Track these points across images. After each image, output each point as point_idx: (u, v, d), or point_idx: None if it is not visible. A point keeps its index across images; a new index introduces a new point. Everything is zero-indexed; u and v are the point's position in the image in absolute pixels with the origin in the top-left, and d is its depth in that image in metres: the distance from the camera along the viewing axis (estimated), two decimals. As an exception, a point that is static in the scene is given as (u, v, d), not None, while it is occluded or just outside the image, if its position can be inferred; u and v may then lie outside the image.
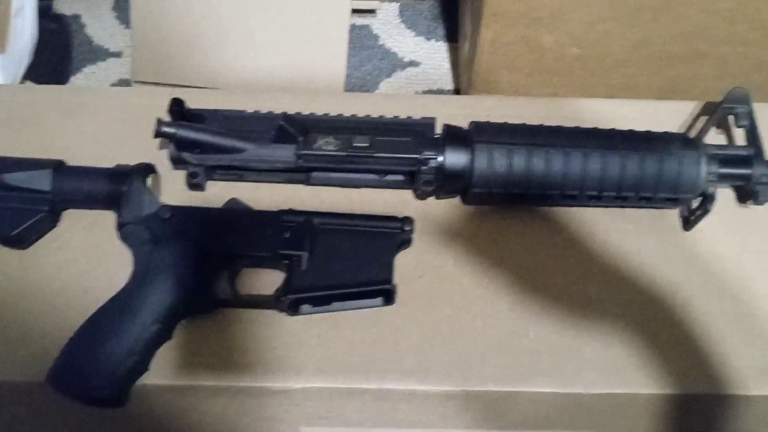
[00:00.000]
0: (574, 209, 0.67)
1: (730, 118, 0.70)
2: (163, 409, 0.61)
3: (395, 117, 0.67)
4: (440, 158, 0.64)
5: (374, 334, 0.61)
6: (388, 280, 0.61)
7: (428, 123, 0.67)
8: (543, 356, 0.60)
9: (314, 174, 0.66)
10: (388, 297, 0.61)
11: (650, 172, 0.63)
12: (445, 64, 1.27)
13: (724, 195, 0.69)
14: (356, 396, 0.60)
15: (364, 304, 0.62)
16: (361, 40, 1.30)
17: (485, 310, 0.62)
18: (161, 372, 0.59)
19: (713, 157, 0.65)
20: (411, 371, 0.60)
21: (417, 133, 0.66)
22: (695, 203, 0.65)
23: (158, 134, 0.63)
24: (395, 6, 1.35)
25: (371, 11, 1.32)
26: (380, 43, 1.30)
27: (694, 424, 0.63)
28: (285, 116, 0.65)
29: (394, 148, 0.64)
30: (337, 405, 0.61)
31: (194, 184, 0.66)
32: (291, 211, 0.63)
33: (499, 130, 0.65)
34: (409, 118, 0.67)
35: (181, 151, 0.65)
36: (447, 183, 0.65)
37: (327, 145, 0.64)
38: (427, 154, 0.64)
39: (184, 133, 0.63)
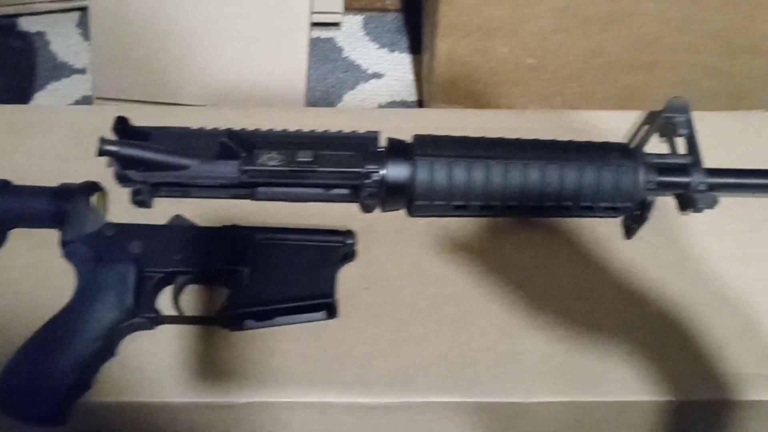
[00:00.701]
0: (515, 220, 0.68)
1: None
2: (105, 427, 0.61)
3: (339, 131, 0.68)
4: (382, 172, 0.64)
5: (317, 347, 0.62)
6: (330, 293, 0.61)
7: (372, 137, 0.67)
8: (484, 366, 0.61)
9: (259, 189, 0.67)
10: (331, 310, 0.62)
11: (589, 182, 0.64)
12: (409, 76, 1.28)
13: (666, 203, 0.70)
14: (299, 409, 0.60)
15: (307, 318, 0.62)
16: (325, 53, 1.31)
17: (428, 321, 0.63)
18: (104, 389, 0.59)
19: (652, 166, 0.66)
20: (353, 383, 0.60)
21: (361, 147, 0.66)
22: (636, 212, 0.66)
23: (101, 153, 0.63)
24: (359, 18, 1.36)
25: (335, 24, 1.33)
26: (344, 55, 1.30)
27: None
28: (228, 132, 0.65)
29: (338, 162, 0.65)
30: (281, 418, 0.61)
31: (139, 201, 0.66)
32: (233, 227, 0.63)
33: (441, 143, 0.65)
34: (354, 132, 0.68)
35: (125, 168, 0.65)
36: (390, 196, 0.65)
37: (270, 161, 0.65)
38: (370, 167, 0.65)
39: (126, 151, 0.64)
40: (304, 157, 0.65)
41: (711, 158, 0.71)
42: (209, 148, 0.66)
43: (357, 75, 1.28)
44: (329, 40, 1.33)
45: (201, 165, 0.65)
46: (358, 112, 0.76)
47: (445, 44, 1.00)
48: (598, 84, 1.04)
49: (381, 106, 1.23)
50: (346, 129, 0.68)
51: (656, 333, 0.63)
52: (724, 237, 0.68)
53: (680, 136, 0.69)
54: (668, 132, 0.72)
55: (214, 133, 0.66)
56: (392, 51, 1.32)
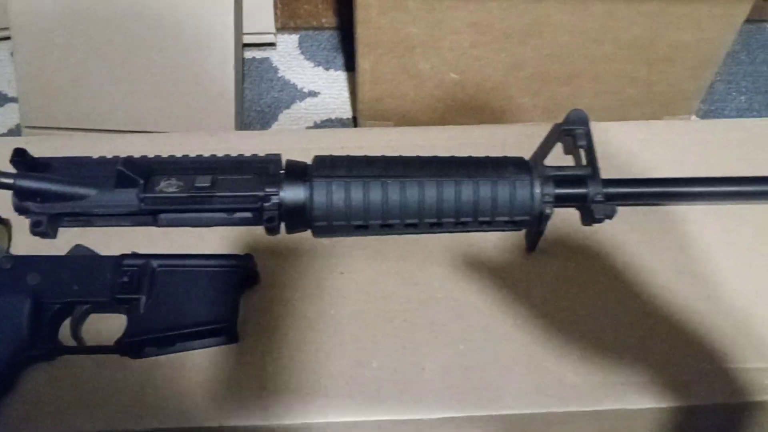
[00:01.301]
0: (418, 237, 0.68)
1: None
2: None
3: (241, 155, 0.68)
4: (281, 194, 0.65)
5: (219, 372, 0.62)
6: (229, 318, 0.62)
7: (273, 159, 0.68)
8: (386, 383, 0.61)
9: (161, 216, 0.67)
10: (231, 335, 0.62)
11: (485, 197, 0.65)
12: (344, 93, 1.29)
13: (573, 216, 0.71)
14: (201, 436, 0.60)
15: (208, 343, 0.62)
16: (261, 73, 1.31)
17: (329, 342, 0.63)
18: (4, 423, 0.59)
19: (549, 179, 0.67)
20: (254, 408, 0.60)
21: (262, 170, 0.67)
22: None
23: (-4, 185, 0.63)
24: (295, 38, 1.37)
25: (271, 44, 1.33)
26: (279, 75, 1.31)
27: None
28: (124, 160, 0.65)
29: (236, 186, 0.65)
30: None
31: (40, 233, 0.66)
32: (131, 255, 0.63)
33: (338, 163, 0.66)
34: (255, 155, 0.68)
35: (23, 200, 0.65)
36: (290, 218, 0.66)
37: (169, 187, 0.65)
38: (269, 190, 0.65)
39: (22, 183, 0.64)
40: (203, 182, 0.65)
41: (615, 169, 0.72)
42: (109, 176, 0.66)
43: (293, 94, 1.29)
44: (265, 60, 1.33)
45: (100, 194, 0.65)
46: (285, 133, 0.76)
47: (366, 63, 1.00)
48: (521, 96, 1.06)
49: (317, 124, 1.24)
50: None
51: (557, 345, 0.63)
52: (627, 248, 0.69)
53: (579, 147, 0.70)
54: (570, 144, 0.73)
55: (114, 162, 0.66)
56: (327, 69, 1.32)
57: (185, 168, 0.66)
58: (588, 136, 0.70)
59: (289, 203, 0.65)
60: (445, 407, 0.60)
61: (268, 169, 0.67)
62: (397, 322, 0.64)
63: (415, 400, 0.61)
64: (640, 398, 0.61)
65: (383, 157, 0.67)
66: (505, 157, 0.68)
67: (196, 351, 0.63)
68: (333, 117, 1.26)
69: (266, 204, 0.65)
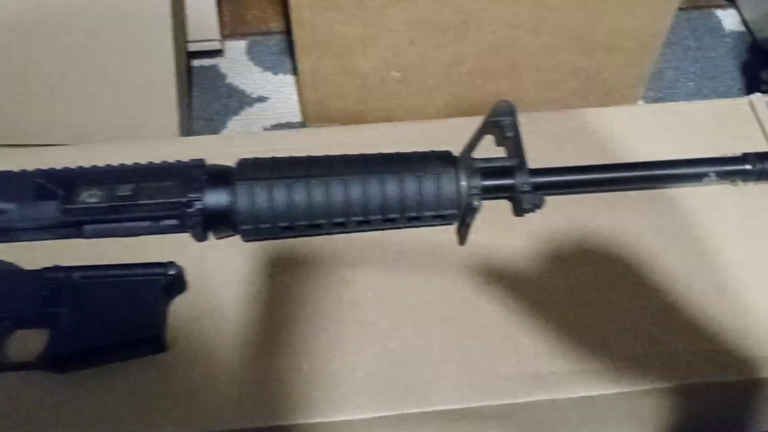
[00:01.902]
0: (348, 235, 0.68)
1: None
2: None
3: (164, 162, 0.67)
4: (204, 199, 0.64)
5: (147, 383, 0.61)
6: (155, 327, 0.61)
7: (197, 164, 0.67)
8: (317, 385, 0.61)
9: (85, 227, 0.66)
10: (158, 344, 0.61)
11: (410, 193, 0.64)
12: (293, 97, 1.28)
13: (504, 207, 0.71)
14: (131, 447, 0.59)
15: (135, 354, 0.61)
16: (208, 81, 1.30)
17: (258, 347, 0.62)
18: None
19: (476, 171, 0.66)
20: (184, 417, 0.59)
21: (185, 175, 0.66)
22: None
23: None
24: (243, 44, 1.36)
25: (218, 51, 1.32)
26: (227, 81, 1.30)
27: None
28: (43, 172, 0.64)
29: (158, 193, 0.65)
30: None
31: (-41, 251, 0.65)
32: (51, 268, 0.62)
33: (262, 166, 0.65)
34: (178, 161, 0.67)
35: (-60, 218, 0.64)
36: (215, 223, 0.65)
37: (91, 198, 0.64)
38: (191, 196, 0.64)
39: (-63, 201, 0.63)
40: (124, 191, 0.64)
41: (546, 158, 0.72)
42: (29, 189, 0.65)
43: (241, 100, 1.28)
44: (212, 67, 1.32)
45: (19, 208, 0.64)
46: (212, 138, 0.76)
47: (306, 65, 1.00)
48: (464, 91, 1.05)
49: (266, 130, 1.23)
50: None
51: (488, 338, 0.63)
52: (557, 235, 0.69)
53: (507, 138, 0.70)
54: (500, 136, 0.73)
55: (34, 174, 0.65)
56: (276, 73, 1.31)
57: (107, 177, 0.66)
58: (515, 126, 0.70)
59: (213, 208, 0.64)
60: (376, 406, 0.60)
61: (191, 175, 0.66)
62: (328, 323, 0.64)
63: (345, 401, 0.60)
64: (572, 387, 0.60)
65: (307, 157, 0.66)
66: (431, 152, 0.67)
67: (124, 362, 0.61)
68: (283, 121, 1.25)
69: (189, 210, 0.64)
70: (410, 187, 0.64)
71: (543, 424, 0.63)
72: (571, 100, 1.09)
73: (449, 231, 0.69)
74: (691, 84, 1.30)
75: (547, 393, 0.60)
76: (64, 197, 0.64)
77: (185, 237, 0.68)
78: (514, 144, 0.69)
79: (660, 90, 1.29)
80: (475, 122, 0.73)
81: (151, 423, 0.59)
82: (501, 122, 0.70)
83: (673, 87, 1.30)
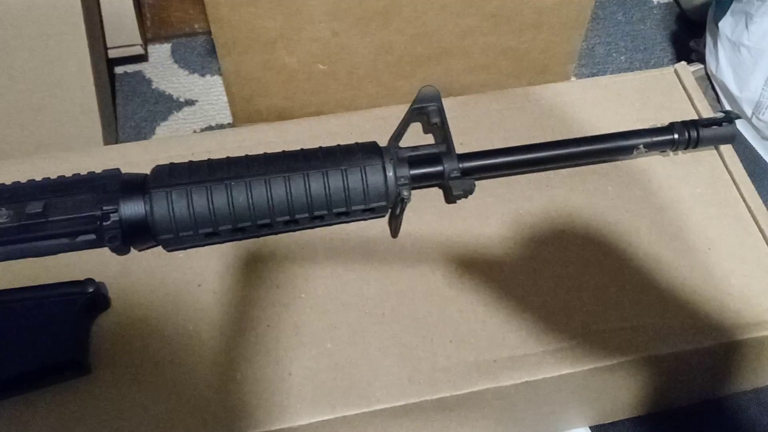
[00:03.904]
0: (277, 237, 0.65)
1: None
2: None
3: (76, 174, 0.64)
4: (120, 211, 0.61)
5: (73, 407, 0.58)
6: (75, 349, 0.58)
7: (112, 175, 0.64)
8: (249, 396, 0.58)
9: (-5, 250, 0.62)
10: (80, 366, 0.58)
11: (336, 187, 0.62)
12: (222, 98, 1.25)
13: (435, 196, 0.69)
14: (58, 479, 0.56)
15: (56, 379, 0.58)
16: (133, 87, 1.26)
17: (188, 360, 0.60)
18: None
19: (403, 160, 0.64)
20: (112, 440, 0.56)
21: (100, 187, 0.63)
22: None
23: None
24: (167, 47, 1.32)
25: (141, 56, 1.28)
26: (153, 86, 1.26)
27: None
28: (-56, 195, 0.60)
29: (72, 208, 0.61)
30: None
31: None
32: (-42, 296, 0.58)
33: (177, 171, 0.62)
34: (92, 172, 0.64)
35: None
36: (134, 234, 0.62)
37: (-2, 218, 0.61)
38: (106, 208, 0.61)
39: None
40: (34, 208, 0.61)
41: (476, 143, 0.71)
42: (-70, 214, 0.61)
43: (169, 105, 1.24)
44: (137, 73, 1.28)
45: None
46: (131, 146, 0.72)
47: (228, 64, 0.97)
48: (395, 81, 1.03)
49: (197, 133, 1.19)
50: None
51: (427, 330, 0.61)
52: (491, 219, 0.67)
53: (432, 124, 0.68)
54: (426, 123, 0.71)
55: (-68, 197, 0.61)
56: (204, 75, 1.28)
57: (15, 195, 0.62)
58: (440, 112, 0.68)
59: (130, 219, 0.61)
60: (315, 411, 0.58)
61: (105, 186, 0.63)
62: (260, 329, 0.61)
63: (282, 408, 0.58)
64: (513, 373, 0.59)
65: (227, 158, 0.64)
66: (356, 144, 0.65)
67: (45, 389, 0.58)
68: (213, 123, 1.22)
69: (106, 223, 0.61)
70: (335, 182, 0.62)
71: (482, 415, 0.62)
72: (504, 82, 1.08)
73: (381, 224, 0.67)
74: (622, 58, 1.31)
75: (490, 381, 0.58)
76: (-31, 219, 0.60)
77: (106, 252, 0.65)
78: (440, 130, 0.67)
79: (593, 66, 1.29)
80: (402, 110, 0.72)
81: (78, 450, 0.56)
82: (426, 108, 0.68)
83: (606, 62, 1.30)
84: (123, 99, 1.24)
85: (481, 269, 0.64)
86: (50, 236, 0.62)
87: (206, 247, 0.65)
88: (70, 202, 0.62)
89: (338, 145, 0.65)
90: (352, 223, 0.67)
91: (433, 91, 0.69)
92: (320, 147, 0.65)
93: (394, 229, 0.65)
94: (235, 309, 0.62)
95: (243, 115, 1.06)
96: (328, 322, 0.62)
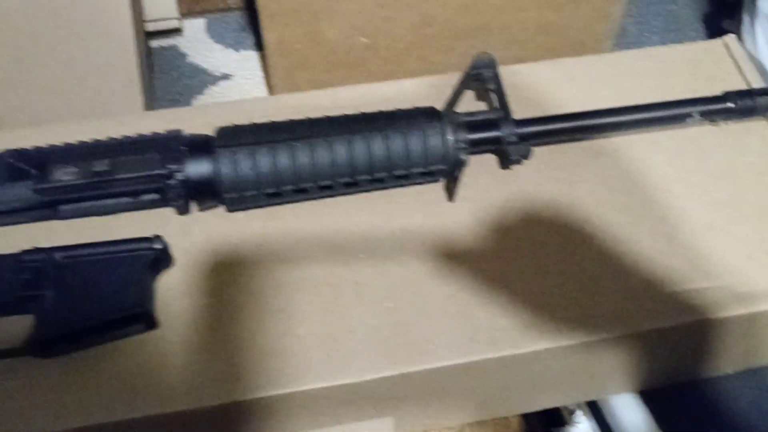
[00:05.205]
0: (335, 200, 0.66)
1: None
2: None
3: (141, 135, 0.65)
4: (185, 170, 0.62)
5: (140, 361, 0.59)
6: (145, 303, 0.59)
7: (174, 136, 0.65)
8: (314, 351, 0.59)
9: (61, 207, 0.63)
10: (148, 321, 0.59)
11: (397, 150, 0.63)
12: (258, 73, 1.26)
13: (489, 161, 0.70)
14: (128, 428, 0.57)
15: (125, 333, 0.59)
16: (168, 61, 1.27)
17: (252, 316, 0.61)
18: None
19: (461, 125, 0.65)
20: (181, 393, 0.57)
21: (163, 147, 0.64)
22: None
23: None
24: (201, 22, 1.33)
25: (176, 30, 1.29)
26: (188, 61, 1.27)
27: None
28: (13, 152, 0.62)
29: (137, 166, 0.62)
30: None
31: (-69, 239, 0.62)
32: (31, 251, 0.60)
33: (243, 132, 0.63)
34: (156, 133, 0.65)
35: None
36: (198, 194, 0.63)
37: (66, 175, 0.62)
38: (171, 167, 0.62)
39: None
40: (101, 166, 0.62)
41: (528, 111, 0.71)
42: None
43: (204, 79, 1.25)
44: (172, 47, 1.29)
45: (-10, 191, 0.61)
46: (188, 110, 0.73)
47: (272, 35, 0.98)
48: (434, 54, 1.04)
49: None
50: (133, 134, 0.65)
51: (485, 291, 0.62)
52: (546, 185, 0.68)
53: (489, 91, 0.69)
54: (481, 89, 0.72)
55: (3, 155, 0.62)
56: (238, 50, 1.29)
57: (82, 154, 0.63)
58: (497, 78, 0.69)
59: (195, 178, 0.62)
60: (379, 367, 0.59)
61: (169, 146, 0.64)
62: (321, 287, 0.62)
63: (346, 363, 0.59)
64: (572, 334, 0.60)
65: (290, 120, 0.65)
66: (415, 108, 0.66)
67: (113, 342, 0.59)
68: (249, 98, 1.23)
69: (170, 182, 0.62)
70: (397, 144, 0.63)
71: (540, 375, 0.63)
72: (540, 58, 1.08)
73: (437, 188, 0.68)
74: (655, 38, 1.31)
75: (550, 341, 0.59)
76: (38, 177, 0.61)
77: (166, 212, 0.66)
78: (497, 96, 0.68)
79: (625, 46, 1.30)
80: (453, 79, 0.73)
81: (147, 402, 0.57)
82: (482, 75, 0.69)
83: (638, 42, 1.31)
84: (159, 72, 1.25)
85: (536, 232, 0.65)
86: (115, 194, 0.63)
87: (266, 209, 0.66)
88: (136, 161, 0.63)
89: (397, 109, 0.65)
90: (409, 187, 0.67)
91: (488, 57, 0.69)
92: (379, 111, 0.65)
93: (451, 192, 0.66)
94: (296, 268, 0.63)
95: (281, 88, 1.07)
96: (387, 282, 0.62)
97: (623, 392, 0.72)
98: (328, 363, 0.59)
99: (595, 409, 0.75)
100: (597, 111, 0.67)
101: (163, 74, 1.25)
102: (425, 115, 0.64)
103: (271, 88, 1.09)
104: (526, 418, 0.82)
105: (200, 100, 1.22)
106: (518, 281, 0.62)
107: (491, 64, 0.69)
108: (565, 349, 0.60)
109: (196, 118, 0.71)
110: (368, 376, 0.58)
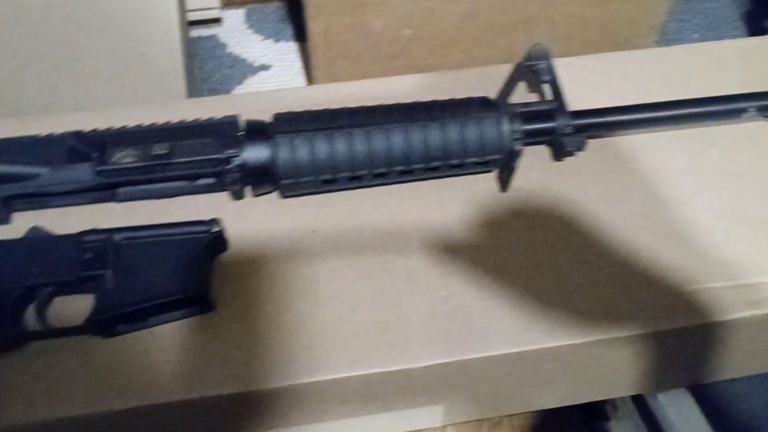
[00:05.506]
0: (388, 188, 0.66)
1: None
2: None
3: (197, 120, 0.65)
4: (243, 155, 0.62)
5: (196, 343, 0.59)
6: (201, 286, 0.59)
7: (231, 121, 0.65)
8: (368, 337, 0.59)
9: (119, 190, 0.64)
10: (205, 304, 0.60)
11: (453, 139, 0.63)
12: (297, 64, 1.26)
13: (542, 153, 0.70)
14: (184, 409, 0.58)
15: (182, 315, 0.60)
16: (208, 51, 1.28)
17: (306, 301, 0.61)
18: (-27, 418, 0.56)
19: (516, 116, 0.65)
20: (238, 375, 0.58)
21: (220, 132, 0.64)
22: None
23: (-60, 171, 0.60)
24: (241, 12, 1.33)
25: (216, 20, 1.30)
26: (228, 51, 1.28)
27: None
28: (75, 134, 0.62)
29: (195, 151, 0.63)
30: (169, 421, 0.59)
31: (-8, 218, 0.63)
32: (91, 231, 0.60)
33: (300, 118, 0.64)
34: (212, 118, 0.66)
35: (-31, 185, 0.62)
36: (255, 179, 0.64)
37: (125, 158, 0.62)
38: (229, 152, 0.62)
39: (-32, 167, 0.60)
40: (160, 149, 0.62)
41: (580, 103, 0.71)
42: (60, 153, 0.63)
43: (243, 69, 1.26)
44: (211, 37, 1.30)
45: (52, 171, 0.62)
46: (239, 97, 0.74)
47: (317, 25, 0.98)
48: (477, 48, 1.04)
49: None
50: (190, 119, 0.65)
51: (538, 281, 0.62)
52: (598, 178, 0.68)
53: (544, 83, 0.69)
54: (534, 81, 0.72)
55: (63, 138, 0.63)
56: (277, 41, 1.29)
57: (141, 137, 0.64)
58: (551, 69, 0.69)
59: (253, 163, 0.62)
60: (434, 354, 0.59)
61: (226, 131, 0.64)
62: (375, 274, 0.63)
63: (401, 350, 0.59)
64: (629, 325, 0.60)
65: (345, 108, 0.65)
66: (470, 98, 0.66)
67: (169, 324, 0.60)
68: (287, 89, 1.23)
69: (228, 167, 0.63)
70: (453, 133, 0.63)
71: (591, 366, 0.63)
72: (583, 53, 1.08)
73: (489, 178, 0.68)
74: (695, 35, 1.30)
75: (607, 332, 0.59)
76: (98, 159, 0.62)
77: (219, 197, 0.67)
78: (551, 87, 0.68)
79: (665, 43, 1.29)
80: (503, 70, 0.73)
81: (204, 383, 0.57)
82: (536, 66, 0.69)
83: (678, 39, 1.30)
84: (199, 62, 1.25)
85: (589, 225, 0.65)
86: (173, 178, 0.64)
87: (319, 196, 0.67)
88: (195, 145, 0.63)
89: (452, 99, 0.66)
90: (462, 177, 0.67)
91: (542, 49, 0.69)
92: (434, 100, 0.66)
93: (504, 183, 0.66)
94: (350, 255, 0.64)
95: (322, 80, 1.07)
96: (442, 271, 0.63)
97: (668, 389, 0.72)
98: (382, 349, 0.59)
99: (641, 405, 0.74)
100: (654, 104, 0.67)
101: (203, 64, 1.26)
102: (481, 105, 0.65)
103: (312, 79, 1.09)
104: (563, 412, 0.82)
105: (240, 90, 1.23)
106: (572, 273, 0.62)
107: (545, 56, 0.69)
108: (622, 340, 0.60)
109: (247, 105, 0.71)
110: (422, 363, 0.58)
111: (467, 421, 0.73)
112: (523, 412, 0.76)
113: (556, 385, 0.66)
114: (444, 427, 0.87)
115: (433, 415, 0.65)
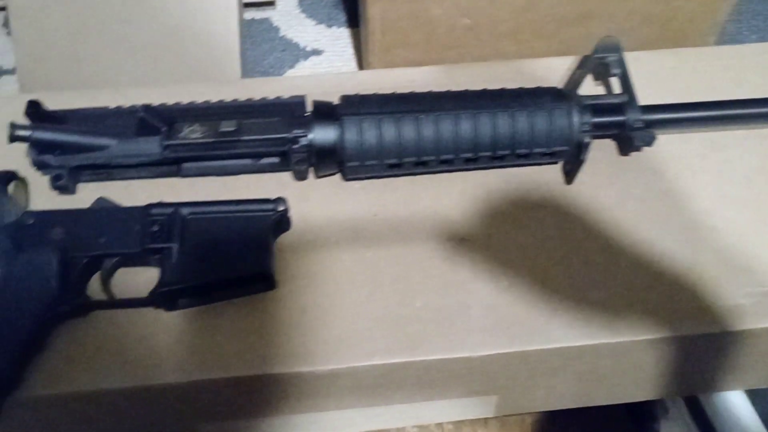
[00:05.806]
0: (451, 175, 0.66)
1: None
2: (42, 421, 0.58)
3: (264, 99, 0.65)
4: (310, 135, 0.62)
5: (257, 320, 0.60)
6: (265, 264, 0.59)
7: (298, 101, 0.65)
8: (429, 324, 0.59)
9: (185, 165, 0.64)
10: (268, 282, 0.60)
11: (522, 128, 0.63)
12: (348, 50, 1.26)
13: (607, 147, 0.69)
14: (243, 385, 0.58)
15: (245, 292, 0.60)
16: (261, 34, 1.28)
17: (367, 284, 0.61)
18: (38, 382, 0.56)
19: (586, 108, 0.64)
20: (296, 354, 0.58)
21: (287, 112, 0.64)
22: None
23: (13, 138, 0.61)
24: (294, -4, 1.33)
25: (270, 3, 1.30)
26: (281, 34, 1.28)
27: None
28: (146, 108, 0.63)
29: (263, 129, 0.63)
30: (228, 397, 0.59)
31: (60, 187, 0.63)
32: (158, 204, 0.61)
33: (368, 101, 0.63)
34: (279, 98, 0.66)
35: (42, 154, 0.62)
36: (321, 160, 0.63)
37: (193, 133, 0.63)
38: (297, 132, 0.62)
39: (40, 135, 0.61)
40: (228, 126, 0.62)
41: (647, 97, 0.70)
42: (128, 126, 0.63)
43: (296, 53, 1.26)
44: (265, 20, 1.30)
45: (120, 144, 0.62)
46: (302, 78, 0.74)
47: (376, 11, 0.97)
48: (534, 40, 1.03)
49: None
50: (258, 98, 0.66)
51: (601, 276, 0.61)
52: (666, 174, 0.67)
53: (613, 75, 0.68)
54: (602, 73, 0.71)
55: (133, 110, 0.63)
56: (330, 26, 1.29)
57: (208, 113, 0.64)
58: (622, 63, 0.68)
59: (319, 144, 0.62)
60: (494, 343, 0.58)
61: (293, 111, 0.64)
62: (437, 261, 0.62)
63: (462, 337, 0.59)
64: (694, 324, 0.59)
65: (413, 93, 0.65)
66: (540, 87, 0.65)
67: (232, 300, 0.60)
68: (347, 73, 1.23)
69: (295, 147, 0.63)
70: (522, 122, 0.62)
71: (648, 365, 0.62)
72: (642, 49, 1.06)
73: (554, 170, 0.67)
74: (754, 37, 1.28)
75: (671, 330, 0.58)
76: (166, 133, 0.62)
77: (282, 177, 0.67)
78: (621, 81, 0.67)
79: (722, 43, 1.26)
80: (569, 62, 0.72)
81: (263, 360, 0.57)
82: (606, 59, 0.68)
83: (736, 40, 1.28)
84: (251, 44, 1.26)
85: (655, 221, 0.64)
86: (239, 155, 0.64)
87: (381, 180, 0.66)
88: (261, 124, 0.63)
89: (522, 88, 0.65)
90: (527, 168, 0.67)
91: (613, 41, 0.69)
92: (504, 88, 0.65)
93: (570, 176, 0.65)
94: (411, 240, 0.63)
95: (378, 66, 1.07)
96: (504, 261, 0.62)
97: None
98: (443, 336, 0.59)
99: (693, 406, 0.73)
100: (726, 102, 0.66)
101: (255, 46, 1.26)
102: (551, 96, 0.64)
103: (366, 65, 1.09)
104: (611, 411, 0.81)
105: (291, 74, 1.23)
106: (636, 269, 0.62)
107: (616, 48, 0.68)
108: (690, 338, 0.59)
109: (309, 87, 0.70)
110: (483, 352, 0.58)
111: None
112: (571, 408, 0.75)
113: (610, 382, 0.65)
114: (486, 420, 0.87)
115: (486, 405, 0.65)
